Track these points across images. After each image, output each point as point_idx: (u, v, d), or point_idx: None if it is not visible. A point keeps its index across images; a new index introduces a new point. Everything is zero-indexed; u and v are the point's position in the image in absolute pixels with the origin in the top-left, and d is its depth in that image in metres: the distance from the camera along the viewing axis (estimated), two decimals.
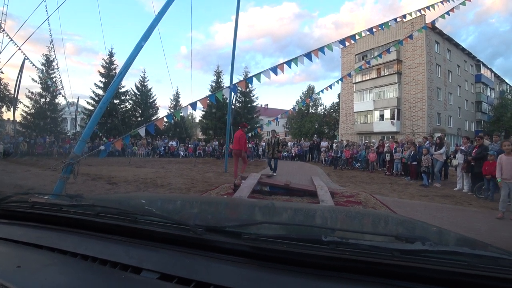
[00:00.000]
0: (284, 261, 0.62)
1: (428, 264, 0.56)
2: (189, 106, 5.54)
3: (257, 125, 22.48)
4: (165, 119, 6.05)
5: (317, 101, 36.23)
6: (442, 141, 8.63)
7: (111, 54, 22.95)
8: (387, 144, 11.97)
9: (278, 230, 0.79)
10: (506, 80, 37.82)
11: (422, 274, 0.56)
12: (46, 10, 8.43)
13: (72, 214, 0.88)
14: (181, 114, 5.92)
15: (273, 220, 0.99)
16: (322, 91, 10.38)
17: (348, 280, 0.57)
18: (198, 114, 30.90)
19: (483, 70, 31.51)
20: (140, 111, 24.80)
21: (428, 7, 7.53)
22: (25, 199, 1.01)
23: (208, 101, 5.79)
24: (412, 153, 9.27)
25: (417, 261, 0.56)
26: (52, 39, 13.49)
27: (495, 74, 34.90)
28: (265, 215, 1.22)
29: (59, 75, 18.95)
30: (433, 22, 8.41)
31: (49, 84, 20.07)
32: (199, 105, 5.55)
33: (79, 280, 0.62)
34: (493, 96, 33.66)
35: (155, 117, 23.90)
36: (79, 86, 54.57)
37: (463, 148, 7.70)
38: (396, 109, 24.87)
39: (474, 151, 6.90)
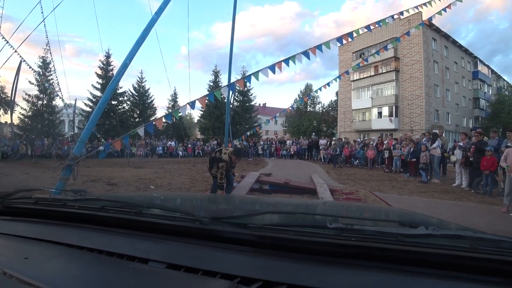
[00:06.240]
0: (290, 249, 0.63)
1: (432, 248, 0.57)
2: (187, 106, 5.54)
3: (256, 124, 22.50)
4: (163, 119, 6.02)
5: (315, 99, 36.28)
6: (435, 136, 8.73)
7: (108, 55, 22.88)
8: (386, 141, 12.00)
9: (283, 219, 0.80)
10: (504, 77, 37.98)
11: (426, 258, 0.57)
12: (42, 12, 8.38)
13: (76, 209, 0.88)
14: (179, 114, 5.92)
15: (277, 210, 1.00)
16: (320, 89, 10.42)
17: (355, 266, 0.58)
18: (196, 114, 30.91)
19: (480, 67, 31.59)
20: (138, 112, 24.74)
21: (425, 4, 7.54)
22: (29, 196, 1.02)
23: (206, 101, 5.78)
24: (412, 149, 9.30)
25: (421, 245, 0.57)
26: (48, 41, 13.39)
27: (492, 70, 35.02)
28: (269, 207, 1.23)
29: (56, 77, 18.86)
30: (430, 19, 8.42)
31: (46, 86, 20.00)
32: (197, 104, 5.55)
33: (87, 270, 0.62)
34: (490, 92, 33.75)
35: (153, 118, 23.88)
36: (79, 88, 54.12)
37: (461, 144, 7.73)
38: (394, 106, 24.90)
39: (472, 146, 6.92)
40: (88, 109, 21.94)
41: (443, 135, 9.88)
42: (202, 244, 0.68)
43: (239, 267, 0.59)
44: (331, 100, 36.41)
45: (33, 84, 20.94)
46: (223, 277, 0.56)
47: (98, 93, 21.99)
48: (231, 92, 8.04)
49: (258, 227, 0.67)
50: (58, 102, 21.18)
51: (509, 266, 0.54)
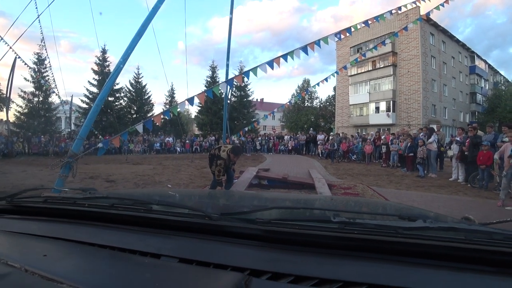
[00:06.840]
0: (297, 242, 0.67)
1: (429, 240, 0.60)
2: (186, 101, 5.54)
3: (253, 119, 22.48)
4: (162, 115, 6.02)
5: (312, 94, 36.25)
6: (432, 131, 8.83)
7: (104, 51, 22.65)
8: (383, 136, 12.07)
9: (288, 214, 0.83)
10: (501, 72, 38.11)
11: (424, 250, 0.60)
12: (36, 8, 8.28)
13: (87, 207, 0.90)
14: (178, 110, 5.92)
15: (283, 205, 1.03)
16: (318, 84, 10.42)
17: (358, 257, 0.62)
18: (194, 110, 30.77)
19: (477, 62, 31.66)
20: (135, 108, 24.62)
21: None
22: (37, 194, 1.03)
23: (205, 96, 5.78)
24: (409, 144, 9.37)
25: (419, 237, 0.61)
26: (43, 37, 13.20)
27: (489, 65, 35.12)
28: (273, 202, 1.26)
29: (52, 73, 18.67)
30: (427, 14, 8.44)
31: (42, 83, 19.81)
32: (196, 100, 5.55)
33: (104, 265, 0.65)
34: (487, 87, 33.89)
35: (151, 114, 23.77)
36: (75, 84, 53.56)
37: (458, 139, 7.80)
38: (391, 101, 24.96)
39: (467, 141, 7.00)
40: (84, 105, 21.77)
41: (440, 130, 9.98)
42: (212, 239, 0.71)
43: (249, 260, 0.62)
44: (329, 95, 36.42)
45: (28, 80, 20.76)
46: (234, 270, 0.59)
47: (94, 89, 21.84)
48: (228, 88, 8.02)
49: (265, 222, 0.70)
50: (54, 98, 21.07)
51: (501, 256, 0.58)
